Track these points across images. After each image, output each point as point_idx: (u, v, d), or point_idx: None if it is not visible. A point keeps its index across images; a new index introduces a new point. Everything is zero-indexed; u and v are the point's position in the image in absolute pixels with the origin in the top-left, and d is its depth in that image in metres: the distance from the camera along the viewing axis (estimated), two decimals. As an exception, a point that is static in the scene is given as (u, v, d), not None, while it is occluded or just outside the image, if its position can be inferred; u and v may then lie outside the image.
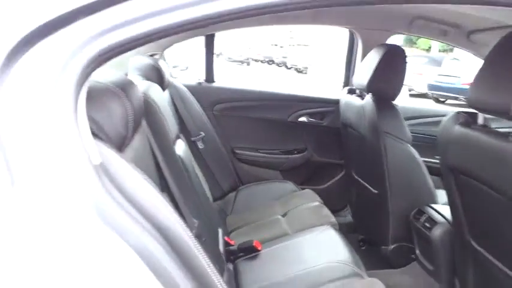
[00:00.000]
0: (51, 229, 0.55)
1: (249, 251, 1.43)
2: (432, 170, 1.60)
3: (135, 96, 0.92)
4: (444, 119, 1.17)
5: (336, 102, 1.95)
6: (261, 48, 20.51)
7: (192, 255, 0.66)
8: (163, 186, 1.13)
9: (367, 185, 1.72)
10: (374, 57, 1.55)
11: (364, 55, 1.93)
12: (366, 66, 1.58)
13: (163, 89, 1.48)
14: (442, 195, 1.59)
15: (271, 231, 1.60)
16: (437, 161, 1.77)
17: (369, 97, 1.57)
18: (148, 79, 1.33)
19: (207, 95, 2.04)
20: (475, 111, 1.05)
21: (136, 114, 0.88)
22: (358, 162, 1.81)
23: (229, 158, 2.06)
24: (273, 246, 1.47)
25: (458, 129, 1.11)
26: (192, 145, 1.85)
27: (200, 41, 2.05)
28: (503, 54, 0.97)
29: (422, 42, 15.04)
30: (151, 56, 1.67)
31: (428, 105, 4.42)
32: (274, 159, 2.10)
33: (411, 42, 15.10)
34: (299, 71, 16.13)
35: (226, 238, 1.49)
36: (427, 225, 1.45)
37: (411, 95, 8.98)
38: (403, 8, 1.75)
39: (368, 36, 1.97)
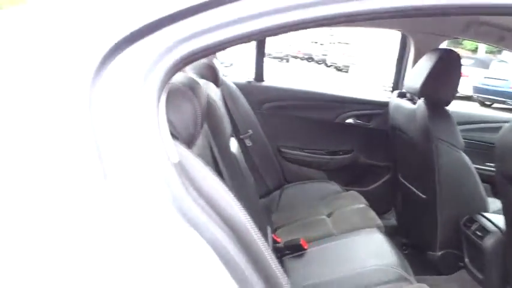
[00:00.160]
0: (137, 220, 0.59)
1: (296, 249, 1.45)
2: (482, 177, 1.57)
3: (202, 96, 0.97)
4: (506, 125, 1.15)
5: (384, 104, 1.95)
6: (301, 45, 20.42)
7: (258, 251, 0.69)
8: (221, 184, 1.17)
9: (414, 189, 1.71)
10: (428, 62, 1.54)
11: (416, 59, 1.91)
12: (419, 70, 1.57)
13: (217, 88, 1.53)
14: (491, 203, 1.56)
15: (316, 230, 1.61)
16: (488, 168, 1.72)
17: (421, 102, 1.56)
18: (203, 77, 1.37)
19: (256, 93, 2.08)
20: None
21: (203, 114, 0.92)
22: (406, 166, 1.80)
23: (275, 157, 2.09)
24: (319, 246, 1.49)
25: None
26: (240, 142, 1.90)
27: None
28: None
29: (469, 42, 14.51)
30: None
31: (474, 110, 4.28)
32: (320, 159, 2.11)
33: (456, 43, 14.62)
34: (339, 69, 15.94)
35: (273, 235, 1.52)
36: (479, 233, 1.43)
37: (455, 97, 8.71)
38: (460, 12, 1.72)
39: (421, 40, 1.95)
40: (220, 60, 2.91)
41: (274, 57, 17.78)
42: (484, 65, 9.20)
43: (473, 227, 1.46)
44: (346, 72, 14.84)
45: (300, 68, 16.01)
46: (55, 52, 0.63)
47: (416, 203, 1.68)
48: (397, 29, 2.01)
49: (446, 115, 1.53)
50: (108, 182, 0.57)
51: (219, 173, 1.14)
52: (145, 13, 0.64)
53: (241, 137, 1.91)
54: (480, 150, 1.86)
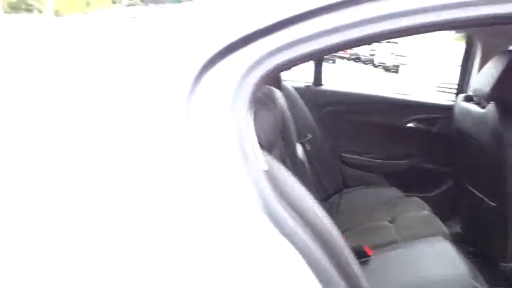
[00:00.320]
0: (232, 229, 0.61)
1: (360, 256, 1.44)
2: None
3: (279, 104, 0.98)
4: None
5: (448, 108, 1.89)
6: (348, 45, 20.02)
7: (341, 254, 0.69)
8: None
9: (483, 196, 1.64)
10: (498, 64, 1.48)
11: (482, 61, 1.84)
12: (488, 73, 1.51)
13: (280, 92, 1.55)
14: None
15: (379, 237, 1.59)
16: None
17: (491, 106, 1.50)
18: (266, 83, 1.39)
19: (315, 97, 2.08)
20: None
21: (281, 121, 0.94)
22: (474, 172, 1.74)
23: (334, 161, 2.08)
24: (384, 253, 1.47)
25: None
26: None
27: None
28: None
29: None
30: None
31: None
32: (380, 164, 2.08)
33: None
34: (387, 69, 15.55)
35: (336, 240, 1.52)
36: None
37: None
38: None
39: (489, 41, 1.87)
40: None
41: (321, 58, 17.57)
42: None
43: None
44: (395, 72, 14.45)
45: (346, 69, 15.77)
46: (155, 63, 0.67)
47: (485, 210, 1.62)
48: (463, 31, 1.95)
49: None
50: (205, 191, 0.60)
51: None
52: (239, 26, 0.67)
53: (300, 141, 1.93)
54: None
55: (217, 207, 0.60)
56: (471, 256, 1.86)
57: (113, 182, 0.61)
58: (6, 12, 19.31)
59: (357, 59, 19.35)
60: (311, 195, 0.72)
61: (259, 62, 0.65)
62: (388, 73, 14.99)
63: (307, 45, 0.65)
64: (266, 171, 0.64)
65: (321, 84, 2.14)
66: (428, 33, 0.71)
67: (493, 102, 1.50)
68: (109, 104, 0.64)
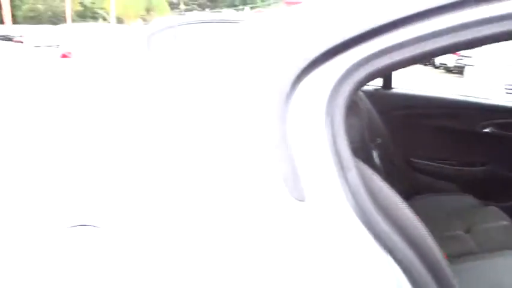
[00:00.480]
0: (331, 238, 0.61)
1: (436, 265, 1.38)
2: None
3: (364, 108, 0.97)
4: None
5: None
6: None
7: (437, 265, 0.67)
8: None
9: None
10: None
11: None
12: None
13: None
14: None
15: (454, 247, 1.52)
16: None
17: None
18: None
19: (384, 101, 2.03)
20: None
21: (366, 125, 0.92)
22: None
23: (403, 166, 2.01)
24: (460, 265, 1.40)
25: None
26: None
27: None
28: None
29: None
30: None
31: None
32: (453, 171, 1.99)
33: None
34: (449, 70, 14.84)
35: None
36: None
37: None
38: None
39: None
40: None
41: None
42: None
43: None
44: (457, 73, 13.76)
45: (404, 70, 15.20)
46: (254, 68, 0.68)
47: None
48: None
49: None
50: (306, 204, 0.60)
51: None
52: (337, 32, 0.66)
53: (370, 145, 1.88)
54: None
55: (315, 218, 0.60)
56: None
57: (214, 192, 0.63)
58: (74, 20, 20.55)
59: (416, 60, 18.58)
60: (403, 201, 0.70)
61: (355, 68, 0.64)
62: (450, 74, 14.30)
63: (403, 51, 0.64)
64: (360, 179, 0.63)
65: (390, 88, 2.08)
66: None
67: None
68: (208, 108, 0.66)
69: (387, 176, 1.98)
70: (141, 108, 0.70)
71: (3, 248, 0.64)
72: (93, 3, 27.55)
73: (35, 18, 22.03)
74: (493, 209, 1.69)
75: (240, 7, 29.67)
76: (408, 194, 2.02)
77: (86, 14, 25.73)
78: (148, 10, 29.13)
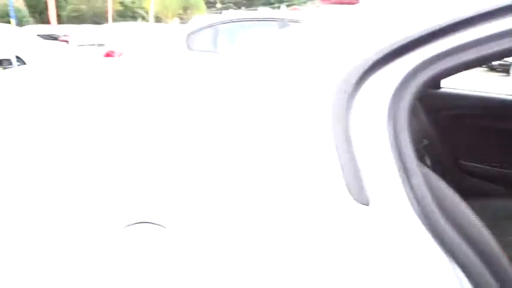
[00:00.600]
0: (395, 243, 0.59)
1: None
2: None
3: (422, 110, 0.94)
4: None
5: None
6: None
7: (504, 272, 0.65)
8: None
9: None
10: None
11: None
12: None
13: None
14: None
15: (507, 254, 1.45)
16: None
17: None
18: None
19: (432, 101, 1.96)
20: None
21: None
22: None
23: (452, 169, 1.95)
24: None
25: None
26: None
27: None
28: None
29: None
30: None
31: None
32: (503, 174, 1.90)
33: None
34: (493, 68, 14.26)
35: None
36: None
37: None
38: None
39: None
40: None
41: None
42: None
43: None
44: (502, 71, 13.19)
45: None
46: (318, 66, 0.67)
47: None
48: None
49: None
50: (371, 208, 0.59)
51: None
52: (402, 32, 0.65)
53: (416, 147, 1.83)
54: None
55: (380, 223, 0.58)
56: None
57: (268, 185, 0.62)
58: (114, 20, 21.14)
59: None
60: (467, 205, 0.68)
61: (419, 70, 0.63)
62: (494, 73, 13.74)
63: (467, 53, 0.62)
64: (425, 184, 0.62)
65: (439, 87, 2.02)
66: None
67: None
68: (268, 109, 0.66)
69: (435, 178, 1.93)
70: (201, 107, 0.71)
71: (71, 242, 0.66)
72: (133, 2, 28.25)
73: (78, 18, 22.83)
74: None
75: (276, 5, 29.61)
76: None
77: (126, 14, 26.42)
78: (185, 9, 29.58)
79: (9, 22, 15.47)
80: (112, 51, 4.77)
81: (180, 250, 0.62)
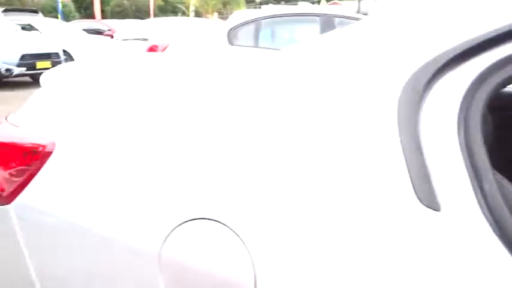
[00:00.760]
0: (467, 251, 0.56)
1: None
2: None
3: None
4: None
5: None
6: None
7: None
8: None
9: None
10: None
11: None
12: None
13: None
14: None
15: None
16: None
17: None
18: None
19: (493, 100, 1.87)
20: None
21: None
22: None
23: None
24: None
25: None
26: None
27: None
28: None
29: None
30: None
31: None
32: None
33: None
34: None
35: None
36: None
37: None
38: None
39: None
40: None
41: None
42: None
43: None
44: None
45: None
46: (387, 66, 0.65)
47: None
48: None
49: None
50: (441, 214, 0.56)
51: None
52: (475, 32, 0.61)
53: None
54: None
55: (451, 230, 0.56)
56: None
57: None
58: (156, 15, 21.57)
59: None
60: None
61: (491, 71, 0.59)
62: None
63: None
64: (498, 191, 0.58)
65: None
66: None
67: None
68: (333, 109, 0.64)
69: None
70: (265, 105, 0.70)
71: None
72: (174, -3, 28.72)
73: (121, 13, 23.45)
74: None
75: (316, 0, 29.29)
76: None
77: (166, 9, 26.90)
78: (224, 4, 29.77)
79: (56, 17, 16.12)
80: (155, 46, 4.86)
81: (240, 248, 0.61)
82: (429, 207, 0.56)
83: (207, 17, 22.41)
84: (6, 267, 0.86)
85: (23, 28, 9.37)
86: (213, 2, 27.56)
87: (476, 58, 0.61)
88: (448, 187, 0.57)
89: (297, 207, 0.60)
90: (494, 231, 0.55)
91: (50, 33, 9.97)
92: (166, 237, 0.66)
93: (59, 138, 0.82)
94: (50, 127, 0.85)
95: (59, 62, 8.76)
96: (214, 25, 8.91)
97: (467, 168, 0.57)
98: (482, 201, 0.56)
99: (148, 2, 22.34)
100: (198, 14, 25.11)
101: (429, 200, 0.57)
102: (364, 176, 0.60)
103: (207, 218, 0.65)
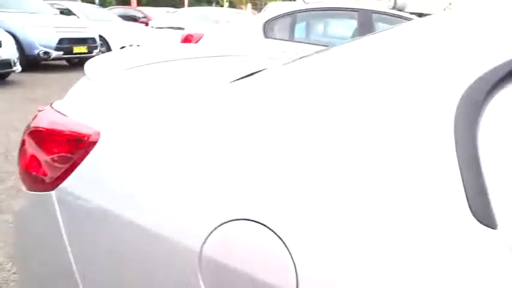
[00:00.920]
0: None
1: None
2: None
3: None
4: None
5: None
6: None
7: None
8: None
9: None
10: None
11: None
12: None
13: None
14: None
15: None
16: None
17: None
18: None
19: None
20: None
21: None
22: None
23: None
24: None
25: None
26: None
27: None
28: None
29: None
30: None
31: None
32: None
33: None
34: None
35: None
36: None
37: None
38: None
39: None
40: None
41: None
42: None
43: None
44: None
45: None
46: (448, 69, 0.62)
47: None
48: None
49: None
50: (498, 233, 0.53)
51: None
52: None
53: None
54: None
55: (508, 248, 0.53)
56: None
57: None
58: (190, 4, 21.68)
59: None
60: None
61: None
62: None
63: None
64: None
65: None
66: None
67: None
68: (388, 115, 0.62)
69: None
70: (314, 109, 0.68)
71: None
72: (209, -13, 28.76)
73: (156, 1, 23.67)
74: None
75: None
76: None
77: (201, -1, 26.98)
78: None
79: (93, 3, 16.41)
80: (191, 35, 4.87)
81: (283, 252, 0.60)
82: (484, 224, 0.53)
83: (240, 8, 22.36)
84: (48, 251, 0.88)
85: (61, 12, 9.59)
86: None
87: None
88: (507, 204, 0.54)
89: (347, 215, 0.59)
90: None
91: (87, 18, 10.18)
92: (207, 236, 0.66)
93: (104, 128, 0.82)
94: (95, 117, 0.86)
95: (95, 47, 8.94)
96: (248, 17, 8.87)
97: None
98: None
99: (184, -10, 22.47)
100: (232, 5, 25.10)
101: (484, 215, 0.54)
102: (416, 185, 0.57)
103: (250, 219, 0.64)
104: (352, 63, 0.72)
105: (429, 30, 0.72)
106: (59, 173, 0.85)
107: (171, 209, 0.70)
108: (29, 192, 0.92)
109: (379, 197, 0.58)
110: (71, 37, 8.48)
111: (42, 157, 0.88)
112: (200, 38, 4.68)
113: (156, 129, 0.78)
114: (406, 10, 7.91)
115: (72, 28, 8.71)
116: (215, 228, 0.66)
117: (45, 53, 8.09)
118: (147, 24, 10.96)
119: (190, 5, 21.00)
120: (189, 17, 8.13)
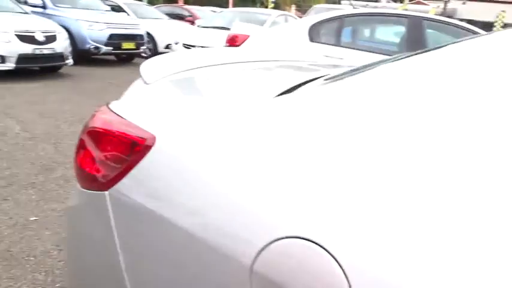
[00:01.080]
0: None
1: None
2: None
3: None
4: None
5: None
6: None
7: None
8: None
9: None
10: None
11: None
12: None
13: None
14: None
15: None
16: None
17: None
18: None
19: None
20: None
21: None
22: None
23: None
24: None
25: None
26: None
27: None
28: None
29: None
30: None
31: None
32: None
33: None
34: None
35: None
36: None
37: None
38: None
39: None
40: None
41: None
42: None
43: None
44: None
45: None
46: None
47: None
48: None
49: None
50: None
51: None
52: None
53: None
54: None
55: None
56: None
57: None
58: (235, 5, 21.87)
59: None
60: None
61: None
62: None
63: None
64: None
65: None
66: None
67: None
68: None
69: None
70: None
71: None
72: (254, -12, 28.92)
73: (202, 1, 24.02)
74: None
75: (399, -2, 28.09)
76: None
77: (246, -1, 27.18)
78: (304, -3, 29.51)
79: (141, 0, 16.85)
80: (236, 36, 4.90)
81: (337, 273, 0.58)
82: None
83: (284, 9, 22.34)
84: (99, 250, 0.90)
85: (112, 9, 9.92)
86: (293, -6, 27.43)
87: None
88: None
89: (403, 237, 0.56)
90: None
91: (136, 15, 10.47)
92: (260, 251, 0.65)
93: (159, 133, 0.83)
94: (151, 121, 0.87)
95: (142, 44, 9.18)
96: (294, 19, 8.84)
97: None
98: None
99: (229, -10, 22.69)
100: (276, 6, 25.14)
101: None
102: (475, 201, 0.54)
103: (304, 237, 0.62)
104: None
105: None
106: (113, 174, 0.87)
107: (225, 219, 0.70)
108: (83, 190, 0.95)
109: (441, 216, 0.55)
110: (121, 33, 8.76)
111: (99, 157, 0.91)
112: (245, 39, 4.70)
113: (209, 138, 0.79)
114: (456, 17, 7.66)
115: (122, 24, 8.98)
116: (268, 244, 0.65)
117: (96, 47, 8.40)
118: (193, 23, 11.15)
119: (235, 5, 21.18)
120: (234, 17, 8.19)
